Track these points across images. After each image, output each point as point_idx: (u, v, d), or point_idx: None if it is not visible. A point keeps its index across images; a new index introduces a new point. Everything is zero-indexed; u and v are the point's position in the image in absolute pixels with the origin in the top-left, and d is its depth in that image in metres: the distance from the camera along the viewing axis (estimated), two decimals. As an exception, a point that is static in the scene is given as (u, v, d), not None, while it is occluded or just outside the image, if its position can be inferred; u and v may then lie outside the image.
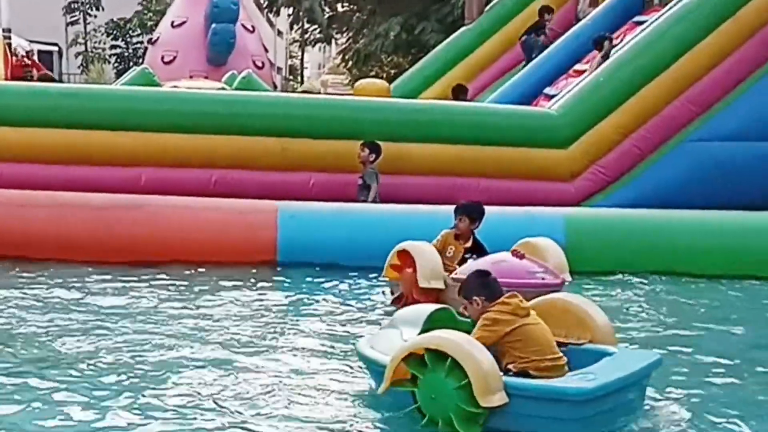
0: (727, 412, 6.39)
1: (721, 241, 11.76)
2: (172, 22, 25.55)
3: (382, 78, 30.51)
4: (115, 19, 47.47)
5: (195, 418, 6.01)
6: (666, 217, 12.05)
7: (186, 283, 10.10)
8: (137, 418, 5.98)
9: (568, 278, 9.49)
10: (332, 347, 7.77)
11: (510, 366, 6.12)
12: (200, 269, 10.64)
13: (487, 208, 11.60)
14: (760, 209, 12.15)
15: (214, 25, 23.70)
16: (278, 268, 10.95)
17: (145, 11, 47.16)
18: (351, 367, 7.14)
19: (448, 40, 21.31)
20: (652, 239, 11.75)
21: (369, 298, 9.73)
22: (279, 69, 66.82)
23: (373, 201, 12.13)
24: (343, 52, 45.46)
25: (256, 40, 26.19)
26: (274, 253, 11.11)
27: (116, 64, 47.10)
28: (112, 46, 48.07)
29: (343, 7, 44.04)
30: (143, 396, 6.39)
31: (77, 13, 48.92)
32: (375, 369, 6.33)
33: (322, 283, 10.34)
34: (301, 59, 53.00)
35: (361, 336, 7.62)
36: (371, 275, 10.37)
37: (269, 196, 11.70)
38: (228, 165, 12.52)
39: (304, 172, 12.57)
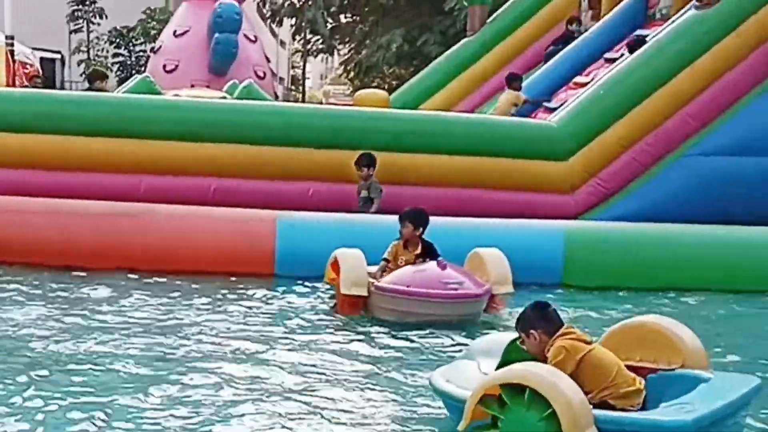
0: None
1: (721, 255, 11.74)
2: (175, 32, 25.60)
3: (384, 89, 30.57)
4: (118, 28, 47.56)
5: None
6: (666, 231, 12.04)
7: (183, 292, 10.07)
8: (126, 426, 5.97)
9: (504, 290, 9.56)
10: (322, 361, 7.72)
11: (587, 398, 5.54)
12: (198, 278, 10.60)
13: (487, 221, 11.78)
14: (760, 224, 12.13)
15: (216, 35, 23.73)
16: (276, 278, 10.89)
17: (149, 20, 47.25)
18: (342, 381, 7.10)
19: (450, 51, 21.35)
20: (651, 253, 11.72)
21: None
22: (281, 79, 66.95)
23: (376, 213, 12.11)
24: (345, 62, 45.61)
25: (258, 50, 26.22)
26: (272, 263, 11.08)
27: (119, 73, 47.16)
28: (115, 54, 48.14)
29: (345, 18, 44.17)
30: (133, 408, 6.36)
31: (81, 21, 49.01)
32: (452, 404, 5.86)
33: (320, 293, 10.29)
34: (303, 69, 53.05)
35: (343, 347, 7.63)
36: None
37: (268, 205, 11.69)
38: (227, 174, 12.51)
39: (303, 182, 12.56)
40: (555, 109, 14.93)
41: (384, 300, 9.17)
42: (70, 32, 49.43)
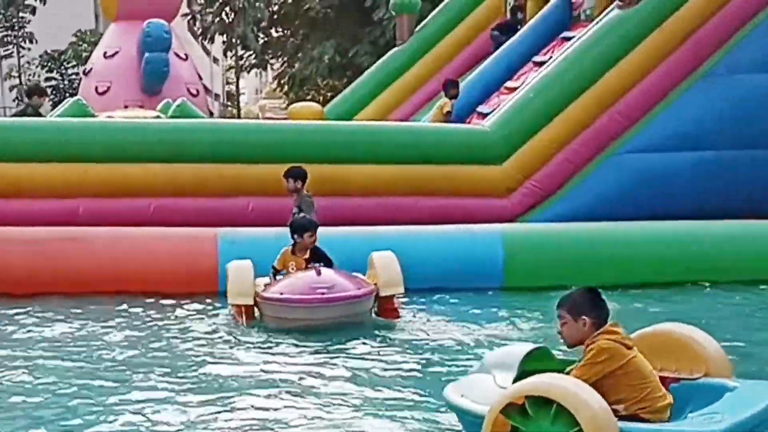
0: None
1: (656, 250, 11.99)
2: (105, 53, 25.44)
3: (318, 101, 30.65)
4: (49, 51, 47.12)
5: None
6: (601, 229, 12.28)
7: (126, 313, 10.10)
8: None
9: (392, 291, 9.72)
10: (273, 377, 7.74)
11: (618, 407, 5.27)
12: (141, 299, 10.61)
13: (426, 227, 11.89)
14: (690, 218, 12.38)
15: (146, 55, 23.64)
16: (220, 296, 10.74)
17: (80, 42, 46.85)
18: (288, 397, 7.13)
19: (381, 61, 21.44)
20: (589, 252, 11.94)
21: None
22: (216, 95, 66.71)
23: None
24: (278, 76, 45.56)
25: (189, 67, 26.15)
26: (215, 280, 11.06)
27: (52, 96, 46.73)
28: (47, 78, 47.66)
29: (276, 32, 44.14)
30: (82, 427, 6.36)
31: (10, 46, 48.49)
32: (468, 420, 5.60)
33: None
34: (237, 85, 52.96)
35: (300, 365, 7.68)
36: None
37: (208, 222, 11.72)
38: (166, 193, 12.51)
39: (242, 198, 12.61)
40: (487, 114, 15.08)
41: (266, 308, 9.54)
42: (1, 58, 48.90)
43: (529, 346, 5.90)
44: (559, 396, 5.00)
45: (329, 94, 37.19)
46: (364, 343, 8.82)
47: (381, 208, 12.73)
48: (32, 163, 12.45)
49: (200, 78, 27.82)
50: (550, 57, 15.43)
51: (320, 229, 10.68)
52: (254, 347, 8.77)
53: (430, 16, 20.71)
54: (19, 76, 48.07)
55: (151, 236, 11.49)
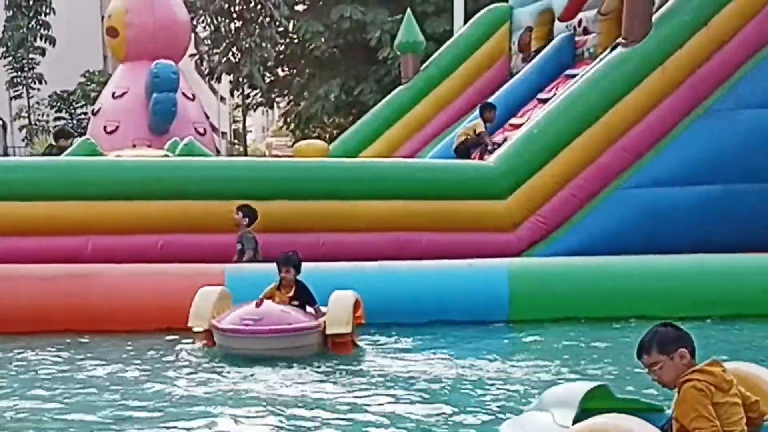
0: None
1: (660, 284, 11.98)
2: (113, 93, 25.65)
3: (324, 138, 30.77)
4: (58, 92, 47.40)
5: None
6: (607, 263, 12.26)
7: (136, 351, 10.13)
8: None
9: (336, 330, 9.73)
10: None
11: None
12: (152, 335, 10.65)
13: (431, 262, 11.93)
14: (694, 252, 12.43)
15: (155, 95, 23.84)
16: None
17: (88, 83, 47.14)
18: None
19: (386, 99, 21.51)
20: (594, 286, 11.94)
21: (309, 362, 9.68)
22: (223, 134, 67.02)
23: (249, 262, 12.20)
24: (285, 114, 45.71)
25: (197, 107, 26.35)
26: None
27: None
28: (56, 118, 47.92)
29: (282, 71, 44.34)
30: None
31: (20, 87, 48.80)
32: None
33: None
34: (243, 123, 53.12)
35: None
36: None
37: (216, 258, 11.81)
38: (174, 229, 12.63)
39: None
40: (492, 150, 15.20)
41: (215, 335, 9.88)
42: (11, 98, 49.18)
43: (590, 385, 5.64)
44: None
45: (335, 132, 37.32)
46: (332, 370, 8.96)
47: (387, 244, 12.81)
48: (41, 201, 12.56)
49: (207, 117, 28.03)
50: (554, 94, 15.55)
51: (326, 264, 10.75)
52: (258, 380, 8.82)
53: (434, 55, 20.86)
54: (29, 116, 48.34)
55: (159, 272, 11.55)
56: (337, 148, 20.64)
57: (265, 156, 40.63)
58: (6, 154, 40.35)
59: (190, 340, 10.38)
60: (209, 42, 45.69)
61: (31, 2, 46.86)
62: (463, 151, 16.20)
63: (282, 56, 43.19)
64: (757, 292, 12.00)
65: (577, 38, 17.51)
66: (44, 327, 10.85)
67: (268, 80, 44.80)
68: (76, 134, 18.93)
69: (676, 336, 5.31)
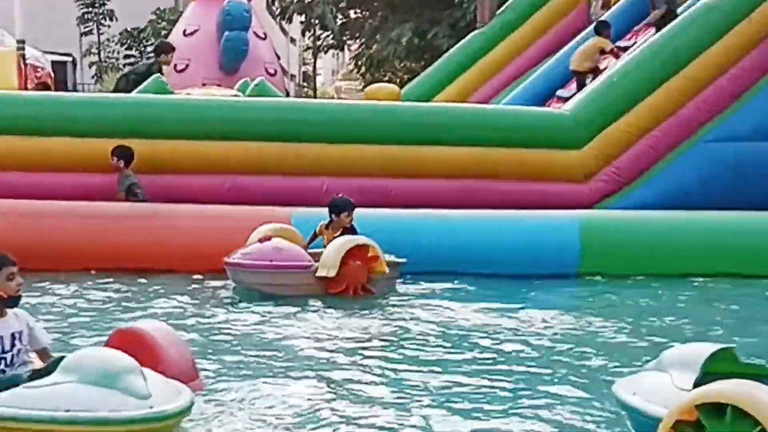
0: None
1: (737, 241, 11.73)
2: (184, 31, 25.52)
3: (395, 83, 30.49)
4: (128, 29, 47.59)
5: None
6: (682, 218, 12.04)
7: (200, 292, 10.12)
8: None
9: (324, 274, 9.81)
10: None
11: None
12: (214, 278, 10.58)
13: (502, 212, 11.78)
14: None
15: (226, 33, 23.67)
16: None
17: (159, 20, 47.27)
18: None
19: (460, 44, 21.28)
20: (668, 241, 11.73)
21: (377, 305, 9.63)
22: (293, 76, 66.95)
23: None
24: (356, 58, 45.49)
25: (268, 47, 26.16)
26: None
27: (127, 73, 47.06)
28: (126, 56, 48.16)
29: (355, 13, 44.07)
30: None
31: (91, 23, 49.06)
32: (640, 420, 5.24)
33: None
34: (314, 66, 53.03)
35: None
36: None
37: (283, 201, 11.69)
38: (242, 171, 12.52)
39: (317, 177, 12.54)
40: (568, 98, 14.88)
41: None
42: (81, 35, 49.46)
43: (713, 347, 5.30)
44: (737, 400, 4.43)
45: (406, 77, 37.02)
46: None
47: (455, 192, 12.61)
48: (111, 138, 12.50)
49: (278, 58, 27.86)
50: (635, 42, 15.18)
51: (391, 211, 10.72)
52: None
53: (511, 0, 20.51)
54: (99, 53, 48.67)
55: (225, 214, 11.48)
56: (409, 92, 20.47)
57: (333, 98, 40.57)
58: (75, 90, 40.59)
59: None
60: (281, -19, 45.57)
61: (103, -63, 47.10)
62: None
63: (355, -3, 42.92)
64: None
65: (658, -15, 17.04)
66: (110, 265, 10.87)
67: (339, 22, 44.56)
68: (175, 47, 18.80)
69: None
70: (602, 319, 9.11)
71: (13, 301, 5.63)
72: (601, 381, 6.78)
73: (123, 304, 9.44)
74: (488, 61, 19.93)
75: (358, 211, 10.69)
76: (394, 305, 9.65)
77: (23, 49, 24.63)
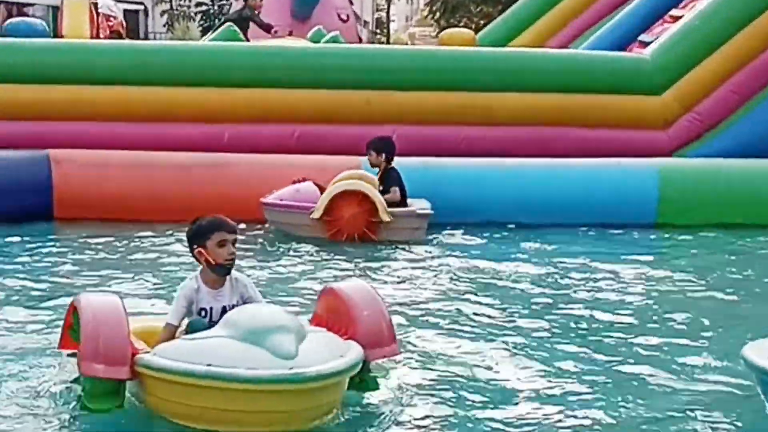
0: None
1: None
2: (255, -23, 25.41)
3: (471, 29, 30.13)
4: (200, -23, 47.69)
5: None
6: (764, 166, 11.74)
7: (263, 241, 10.19)
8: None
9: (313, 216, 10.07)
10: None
11: None
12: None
13: (577, 160, 11.55)
14: None
15: (299, -21, 23.51)
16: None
17: (231, -33, 47.26)
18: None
19: (538, -13, 20.85)
20: (750, 190, 11.53)
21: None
22: (365, 22, 66.61)
23: None
24: (430, 3, 45.12)
25: (340, -8, 25.95)
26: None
27: (201, 22, 47.22)
28: (198, 4, 48.27)
29: (429, -43, 43.67)
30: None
31: (162, -29, 49.23)
32: None
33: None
34: (387, 12, 52.70)
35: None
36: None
37: (352, 150, 11.52)
38: (311, 119, 12.35)
39: (387, 125, 12.30)
40: (650, 43, 14.45)
41: None
42: (153, -17, 49.71)
43: None
44: None
45: (482, 22, 36.61)
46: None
47: (532, 138, 12.34)
48: (181, 87, 12.40)
49: (351, 3, 27.60)
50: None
51: (461, 159, 11.08)
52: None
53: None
54: (171, 2, 48.79)
55: (294, 163, 11.37)
56: (485, 37, 20.20)
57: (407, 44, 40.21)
58: (146, 39, 40.79)
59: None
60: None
61: None
62: None
63: (429, -59, 42.46)
64: None
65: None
66: (178, 216, 10.76)
67: (413, -33, 44.14)
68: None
69: None
70: (679, 272, 8.88)
71: (221, 269, 5.50)
72: (712, 341, 6.63)
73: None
74: (567, 4, 19.55)
75: (427, 160, 10.69)
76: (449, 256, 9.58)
77: (95, -3, 24.74)
